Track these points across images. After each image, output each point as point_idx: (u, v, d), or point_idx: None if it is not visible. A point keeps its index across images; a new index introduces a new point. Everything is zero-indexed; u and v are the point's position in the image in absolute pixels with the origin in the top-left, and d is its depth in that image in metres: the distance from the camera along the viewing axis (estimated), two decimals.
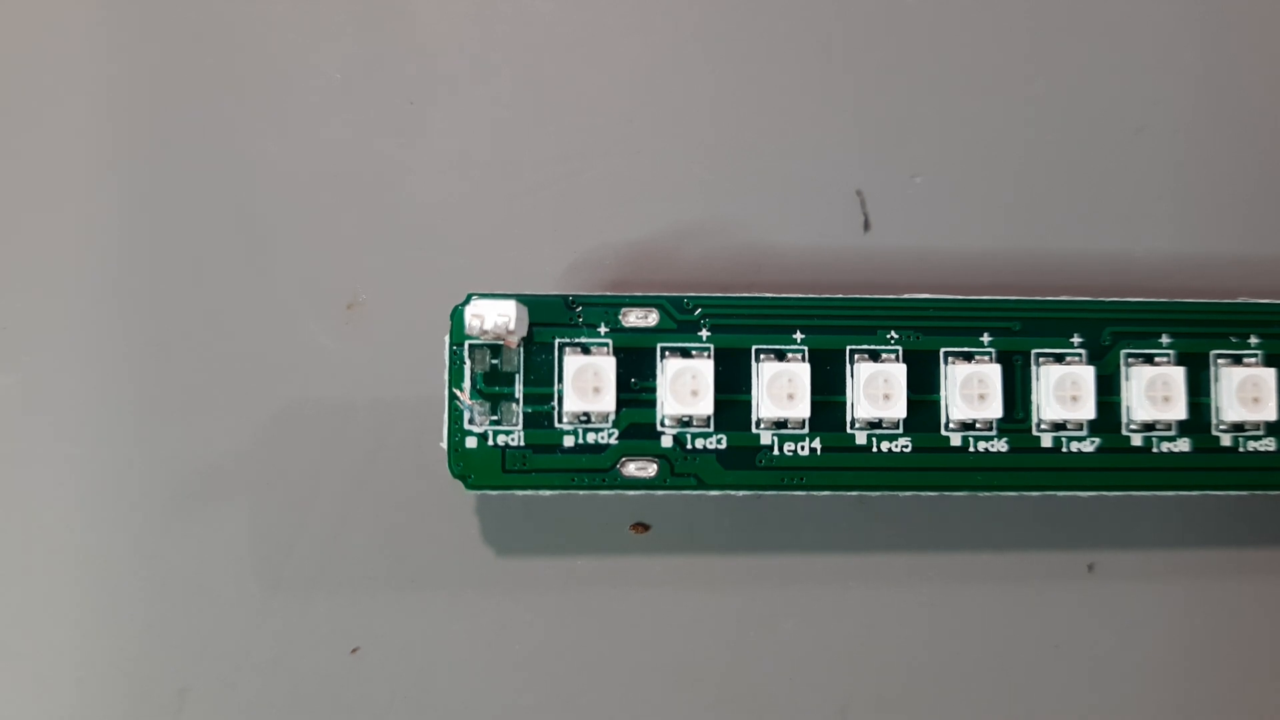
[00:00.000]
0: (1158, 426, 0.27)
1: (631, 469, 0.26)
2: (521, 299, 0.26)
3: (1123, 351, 0.27)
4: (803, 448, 0.27)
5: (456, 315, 0.26)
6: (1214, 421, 0.27)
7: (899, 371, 0.26)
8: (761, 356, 0.27)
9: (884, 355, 0.27)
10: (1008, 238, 0.30)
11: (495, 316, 0.25)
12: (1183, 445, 0.27)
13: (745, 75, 0.30)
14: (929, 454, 0.27)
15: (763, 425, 0.27)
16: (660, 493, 0.27)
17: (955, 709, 0.29)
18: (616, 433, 0.26)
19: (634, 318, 0.27)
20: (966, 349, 0.27)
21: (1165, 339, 0.27)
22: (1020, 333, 0.27)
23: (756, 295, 0.27)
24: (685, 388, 0.26)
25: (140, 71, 0.30)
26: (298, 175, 0.29)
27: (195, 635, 0.28)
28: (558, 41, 0.30)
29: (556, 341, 0.26)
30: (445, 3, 0.30)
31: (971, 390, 0.26)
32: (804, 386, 0.26)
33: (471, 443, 0.26)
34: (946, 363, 0.27)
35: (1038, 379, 0.27)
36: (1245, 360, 0.27)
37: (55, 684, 0.28)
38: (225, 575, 0.28)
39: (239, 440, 0.28)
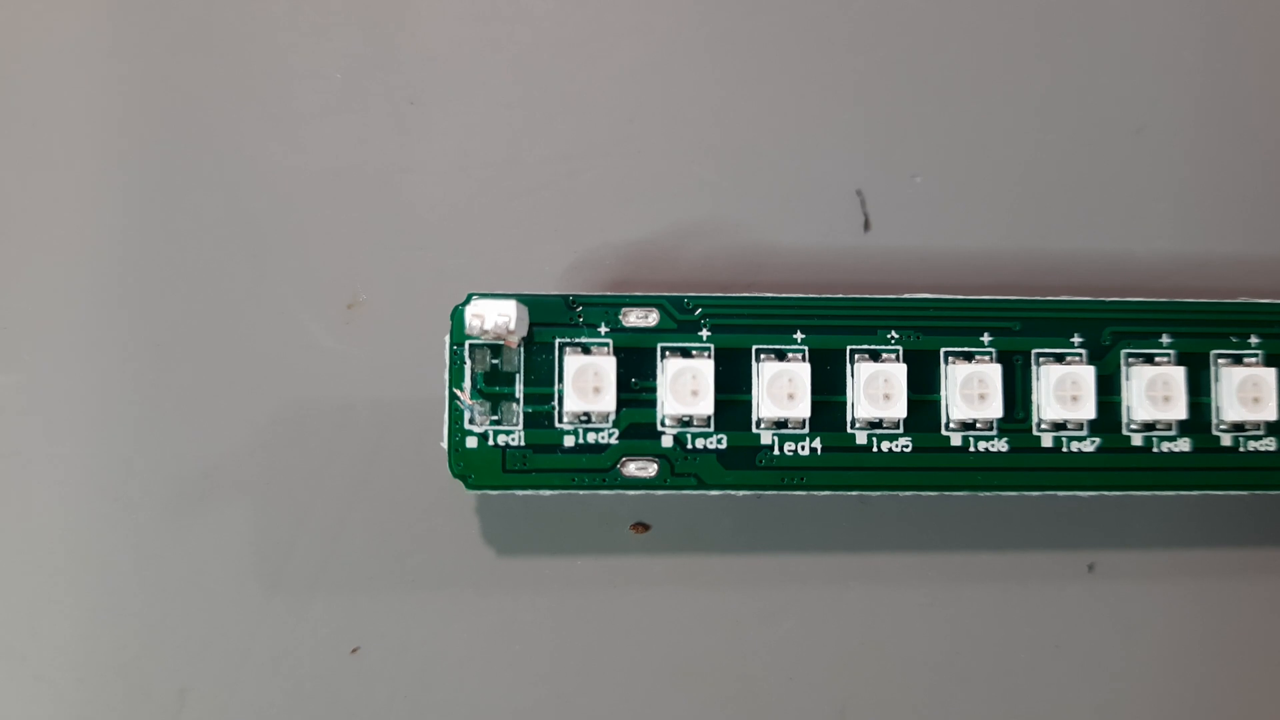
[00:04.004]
0: (1158, 426, 0.27)
1: (632, 469, 0.26)
2: (522, 299, 0.26)
3: (1123, 351, 0.27)
4: (803, 447, 0.27)
5: (457, 315, 0.26)
6: (1214, 421, 0.27)
7: (899, 371, 0.26)
8: (762, 356, 0.27)
9: (884, 355, 0.27)
10: (1008, 237, 0.30)
11: (496, 316, 0.25)
12: (1183, 445, 0.27)
13: (745, 75, 0.30)
14: (929, 454, 0.27)
15: (763, 425, 0.27)
16: (660, 492, 0.27)
17: (955, 709, 0.29)
18: (617, 433, 0.26)
19: (634, 318, 0.27)
20: (967, 349, 0.27)
21: (1165, 339, 0.27)
22: (1020, 332, 0.27)
23: (757, 295, 0.27)
24: (685, 388, 0.26)
25: (140, 71, 0.30)
26: (298, 175, 0.29)
27: (195, 635, 0.28)
28: (558, 41, 0.30)
29: (557, 341, 0.26)
30: (445, 3, 0.30)
31: (972, 390, 0.27)
32: (804, 386, 0.26)
33: (472, 443, 0.26)
34: (947, 362, 0.27)
35: (1038, 379, 0.27)
36: (1246, 360, 0.27)
37: (55, 684, 0.28)
38: (225, 575, 0.28)
39: (239, 440, 0.28)
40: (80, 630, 0.28)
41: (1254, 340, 0.27)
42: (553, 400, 0.26)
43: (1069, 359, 0.27)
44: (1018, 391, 0.27)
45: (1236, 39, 0.31)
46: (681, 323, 0.27)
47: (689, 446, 0.26)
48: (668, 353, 0.27)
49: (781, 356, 0.27)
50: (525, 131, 0.30)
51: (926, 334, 0.27)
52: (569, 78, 0.30)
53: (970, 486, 0.27)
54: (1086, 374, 0.27)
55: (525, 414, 0.26)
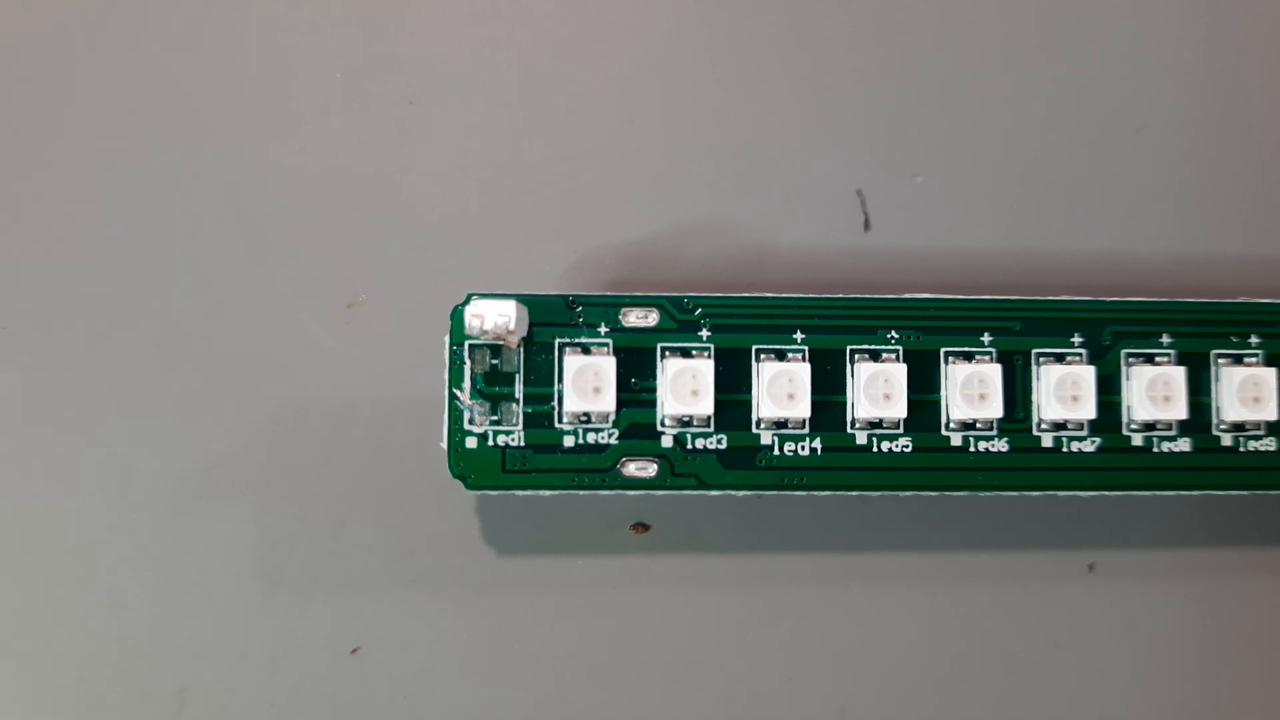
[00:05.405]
0: (1158, 426, 0.27)
1: (632, 469, 0.26)
2: (521, 299, 0.26)
3: (1123, 351, 0.27)
4: (803, 448, 0.27)
5: (456, 315, 0.26)
6: (1215, 421, 0.27)
7: (899, 371, 0.26)
8: (762, 356, 0.27)
9: (884, 355, 0.27)
10: (1008, 237, 0.30)
11: (495, 316, 0.25)
12: (1183, 445, 0.27)
13: (746, 74, 0.30)
14: (929, 454, 0.27)
15: (763, 425, 0.26)
16: (660, 493, 0.27)
17: (955, 709, 0.29)
18: (617, 433, 0.26)
19: (634, 318, 0.27)
20: (967, 349, 0.27)
21: (1166, 339, 0.27)
22: (1021, 332, 0.27)
23: (757, 295, 0.27)
24: (685, 388, 0.26)
25: (140, 71, 0.30)
26: (298, 175, 0.29)
27: (195, 635, 0.28)
28: (558, 41, 0.30)
29: (557, 341, 0.26)
30: (445, 3, 0.30)
31: (972, 390, 0.26)
32: (804, 386, 0.26)
33: (472, 443, 0.26)
34: (947, 362, 0.27)
35: (1038, 379, 0.27)
36: (1246, 360, 0.27)
37: (56, 684, 0.28)
38: (225, 575, 0.28)
39: (239, 440, 0.28)
40: (80, 630, 0.28)
41: (1254, 340, 0.27)
42: (553, 400, 0.26)
43: (1069, 359, 0.27)
44: (1018, 391, 0.27)
45: (1236, 39, 0.31)
46: (681, 323, 0.27)
47: (689, 446, 0.26)
48: (668, 353, 0.27)
49: (781, 356, 0.27)
50: (525, 131, 0.30)
51: (927, 334, 0.27)
52: (569, 78, 0.30)
53: (970, 486, 0.27)
54: (1087, 374, 0.27)
55: (525, 414, 0.26)
